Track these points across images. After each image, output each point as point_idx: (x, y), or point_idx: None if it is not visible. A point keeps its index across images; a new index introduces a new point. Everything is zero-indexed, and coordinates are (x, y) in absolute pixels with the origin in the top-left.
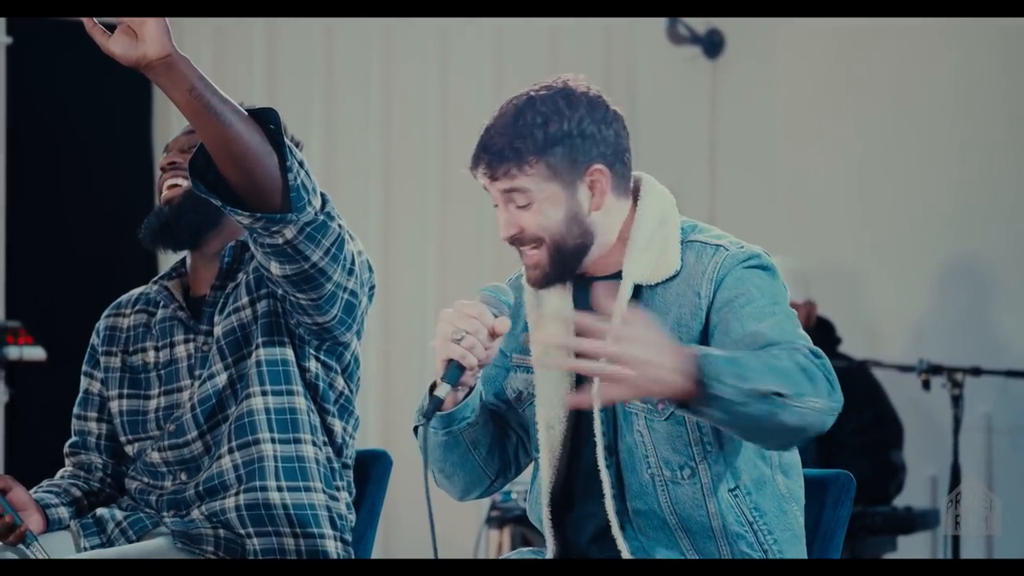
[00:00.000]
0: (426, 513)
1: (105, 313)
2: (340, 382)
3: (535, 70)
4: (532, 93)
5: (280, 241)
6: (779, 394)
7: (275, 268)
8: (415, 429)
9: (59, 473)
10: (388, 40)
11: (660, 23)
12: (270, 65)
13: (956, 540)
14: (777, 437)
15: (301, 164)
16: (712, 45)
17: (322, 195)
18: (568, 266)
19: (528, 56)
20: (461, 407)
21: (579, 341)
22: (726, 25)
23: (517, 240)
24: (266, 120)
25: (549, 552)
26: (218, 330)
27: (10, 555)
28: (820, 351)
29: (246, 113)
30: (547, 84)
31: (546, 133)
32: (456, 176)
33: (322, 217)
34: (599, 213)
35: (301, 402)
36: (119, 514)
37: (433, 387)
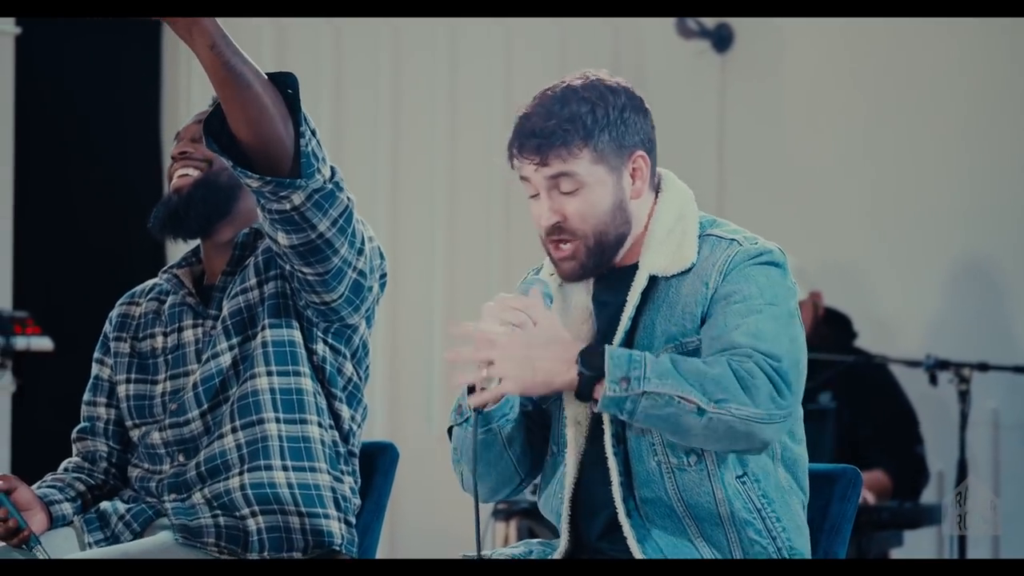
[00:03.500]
0: (434, 506)
1: (119, 302)
2: (348, 367)
3: (544, 63)
4: (570, 82)
5: (288, 207)
6: (684, 398)
7: (282, 238)
8: (449, 431)
9: (63, 465)
10: (397, 40)
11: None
12: (279, 65)
13: (962, 537)
14: (704, 442)
15: (313, 132)
16: (721, 39)
17: (332, 167)
18: (606, 256)
19: (537, 49)
20: (501, 404)
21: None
22: (735, 19)
23: (557, 229)
24: (283, 85)
25: (561, 546)
26: (224, 311)
27: (15, 556)
28: (779, 355)
29: (266, 76)
30: (579, 76)
31: (594, 118)
32: (464, 172)
33: (330, 186)
34: (638, 201)
35: (307, 383)
36: (122, 507)
37: (472, 388)
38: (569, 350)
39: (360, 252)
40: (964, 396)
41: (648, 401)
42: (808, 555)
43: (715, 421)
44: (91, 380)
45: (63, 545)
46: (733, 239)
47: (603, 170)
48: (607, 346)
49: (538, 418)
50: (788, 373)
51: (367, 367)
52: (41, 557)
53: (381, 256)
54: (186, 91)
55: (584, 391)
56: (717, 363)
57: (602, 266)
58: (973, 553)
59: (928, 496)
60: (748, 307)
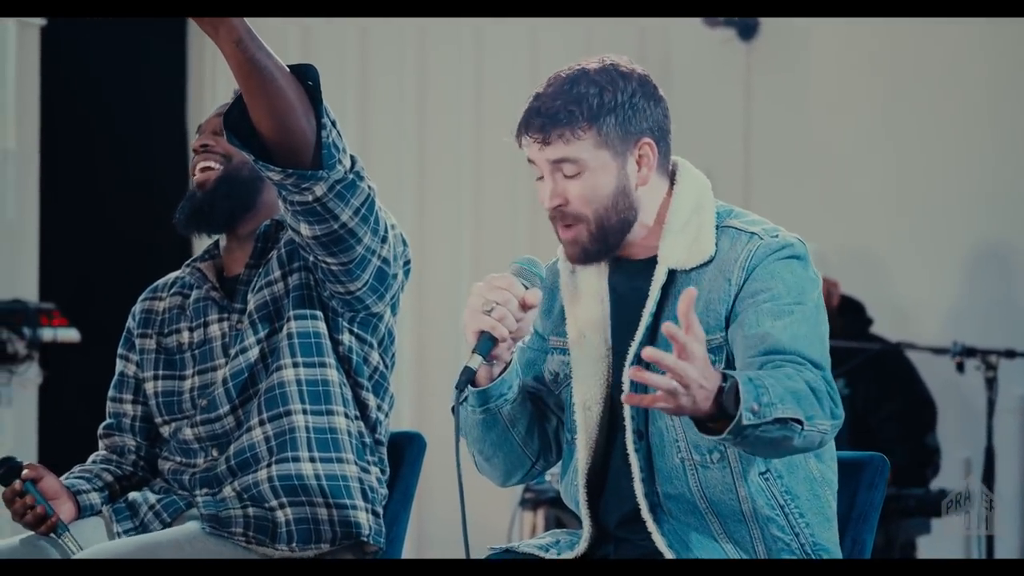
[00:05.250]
0: (459, 496)
1: (141, 297)
2: (375, 356)
3: (570, 49)
4: (583, 65)
5: (310, 199)
6: (797, 421)
7: (305, 229)
8: (453, 409)
9: (91, 457)
10: (422, 40)
11: None
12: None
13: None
14: (776, 455)
15: (334, 123)
16: (746, 27)
17: (352, 157)
18: (609, 243)
19: (562, 42)
20: (498, 383)
21: (653, 351)
22: None
23: (559, 212)
24: (305, 77)
25: (584, 535)
26: (250, 305)
27: (43, 544)
28: (823, 363)
29: (288, 70)
30: (596, 59)
31: (600, 101)
32: (490, 159)
33: (351, 176)
34: (644, 189)
35: (333, 374)
36: (152, 497)
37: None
38: (712, 380)
39: (384, 240)
40: (991, 383)
41: (772, 426)
42: (835, 548)
43: (806, 438)
44: (116, 376)
45: (92, 535)
46: (753, 232)
47: (607, 155)
48: (731, 374)
49: (555, 404)
50: (832, 381)
51: (393, 355)
52: (69, 545)
53: (404, 243)
54: (211, 82)
55: (708, 422)
56: (794, 376)
57: (607, 251)
58: (1001, 539)
59: (955, 483)
60: (778, 307)
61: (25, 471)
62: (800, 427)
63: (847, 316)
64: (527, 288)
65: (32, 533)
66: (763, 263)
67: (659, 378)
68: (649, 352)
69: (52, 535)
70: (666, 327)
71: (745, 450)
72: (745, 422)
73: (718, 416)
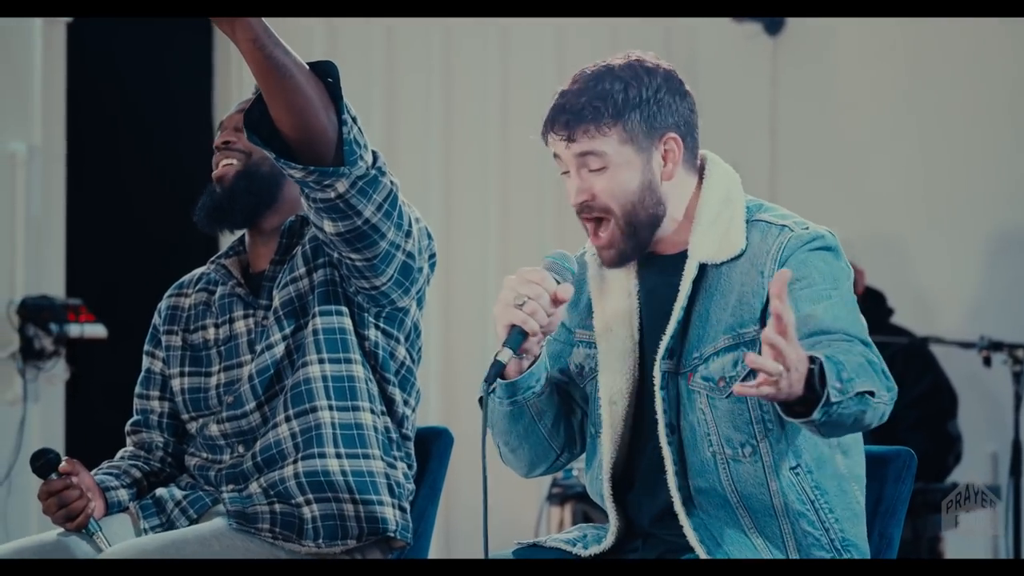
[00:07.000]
0: (489, 490)
1: (167, 293)
2: (401, 351)
3: (596, 48)
4: (608, 62)
5: (332, 195)
6: (870, 393)
7: (328, 226)
8: (480, 400)
9: (119, 453)
10: (448, 39)
11: None
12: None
13: (1017, 523)
14: (845, 431)
15: (355, 119)
16: (773, 22)
17: (374, 152)
18: (641, 239)
19: (588, 36)
20: (526, 376)
21: (775, 337)
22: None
23: (587, 207)
24: (324, 74)
25: (612, 530)
26: (276, 301)
27: (75, 539)
28: (868, 340)
29: (307, 67)
30: (622, 56)
31: (625, 97)
32: (516, 158)
33: (373, 172)
34: (670, 184)
35: (359, 370)
36: (178, 493)
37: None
38: (804, 363)
39: (408, 235)
40: (1018, 377)
41: (853, 401)
42: (864, 544)
43: (875, 410)
44: (142, 373)
45: (119, 531)
46: (784, 225)
47: (631, 150)
48: (813, 354)
49: (581, 397)
50: (881, 357)
51: (419, 349)
52: (100, 542)
53: (429, 237)
54: (238, 78)
55: (803, 404)
56: (852, 351)
57: (640, 248)
58: None
59: (982, 477)
60: (816, 292)
61: (63, 464)
62: (872, 399)
63: (869, 305)
64: (559, 283)
65: (62, 530)
66: (795, 254)
67: (771, 362)
68: (771, 338)
69: (83, 531)
70: (776, 307)
71: (823, 432)
72: (832, 399)
73: (806, 398)
